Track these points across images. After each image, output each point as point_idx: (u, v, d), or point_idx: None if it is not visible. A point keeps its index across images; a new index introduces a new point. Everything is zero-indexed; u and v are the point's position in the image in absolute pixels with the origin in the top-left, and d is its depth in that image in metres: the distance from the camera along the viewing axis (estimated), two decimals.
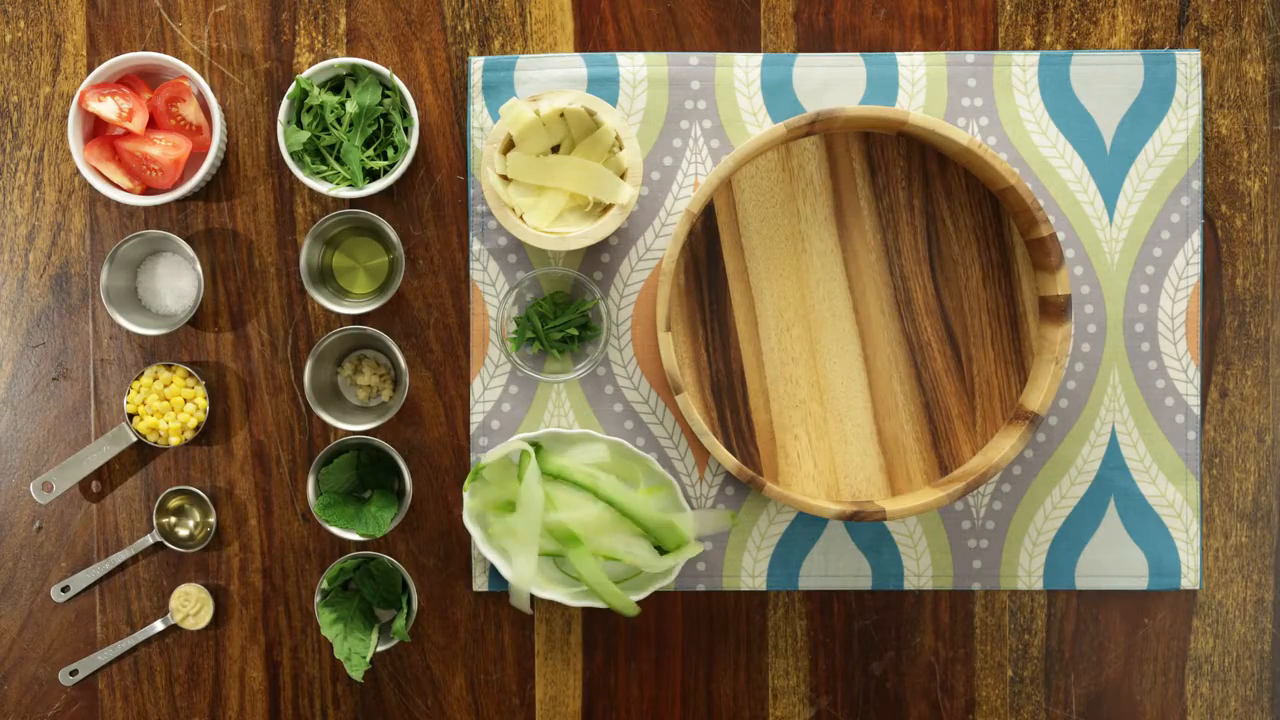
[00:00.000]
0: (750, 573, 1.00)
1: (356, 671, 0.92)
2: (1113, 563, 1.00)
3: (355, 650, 0.93)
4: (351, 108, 0.93)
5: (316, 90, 0.93)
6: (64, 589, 0.99)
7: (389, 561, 0.96)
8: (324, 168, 0.94)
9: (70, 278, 0.99)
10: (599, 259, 0.99)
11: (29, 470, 0.99)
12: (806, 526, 1.00)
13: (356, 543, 1.00)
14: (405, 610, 0.96)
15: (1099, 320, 0.99)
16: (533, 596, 0.99)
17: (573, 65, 0.99)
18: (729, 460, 0.91)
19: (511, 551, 0.94)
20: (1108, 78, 0.99)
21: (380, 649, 0.95)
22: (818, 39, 1.00)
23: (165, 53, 0.99)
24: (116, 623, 1.00)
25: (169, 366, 0.97)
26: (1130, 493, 1.00)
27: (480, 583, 0.99)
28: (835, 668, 1.01)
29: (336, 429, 0.99)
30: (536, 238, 0.92)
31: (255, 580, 1.00)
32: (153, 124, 0.95)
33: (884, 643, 1.00)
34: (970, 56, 0.99)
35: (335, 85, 0.96)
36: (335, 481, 0.97)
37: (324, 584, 0.95)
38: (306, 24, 0.99)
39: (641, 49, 1.00)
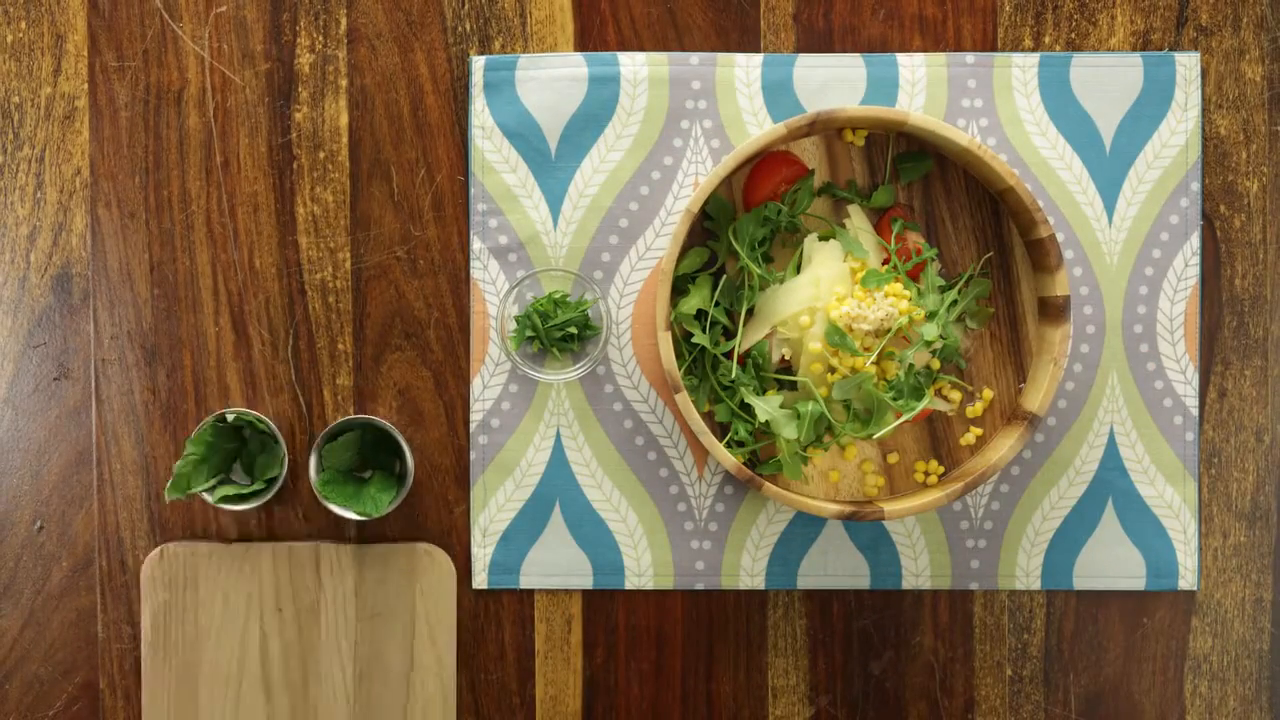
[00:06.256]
0: (749, 572, 1.00)
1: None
2: (1110, 563, 1.00)
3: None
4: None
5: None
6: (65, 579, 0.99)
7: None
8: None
9: (71, 278, 1.00)
10: (599, 259, 0.99)
11: (30, 470, 1.00)
12: (805, 526, 1.00)
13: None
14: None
15: (1098, 321, 0.99)
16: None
17: (574, 65, 0.99)
18: (728, 459, 0.91)
19: None
20: (1107, 79, 0.99)
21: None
22: (817, 39, 1.00)
23: (166, 53, 0.99)
24: (118, 622, 1.00)
25: None
26: (1128, 493, 1.00)
27: (480, 581, 1.00)
28: (835, 667, 1.01)
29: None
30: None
31: None
32: None
33: (883, 642, 1.01)
34: (970, 57, 0.99)
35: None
36: (337, 459, 0.97)
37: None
38: (307, 24, 0.99)
39: (641, 49, 1.00)
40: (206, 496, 0.94)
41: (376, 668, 0.98)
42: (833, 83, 0.99)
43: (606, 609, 1.00)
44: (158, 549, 0.98)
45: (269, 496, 0.96)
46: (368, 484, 0.97)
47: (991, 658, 1.01)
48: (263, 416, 0.95)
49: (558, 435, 1.00)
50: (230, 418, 0.95)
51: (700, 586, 1.00)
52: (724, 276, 0.96)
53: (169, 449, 1.00)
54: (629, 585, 1.00)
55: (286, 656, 0.98)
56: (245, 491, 0.95)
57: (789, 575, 1.00)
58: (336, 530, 1.00)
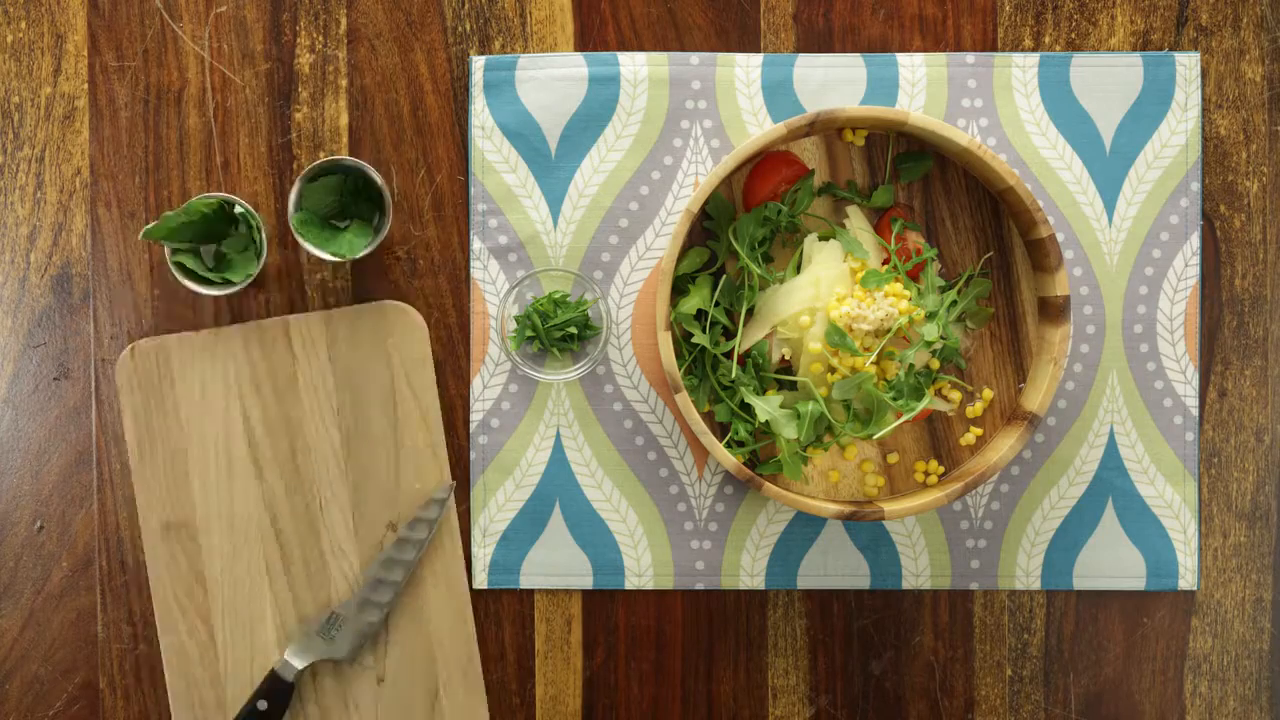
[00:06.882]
0: (749, 572, 1.00)
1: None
2: (1110, 563, 1.00)
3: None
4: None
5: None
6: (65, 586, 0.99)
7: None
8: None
9: (71, 278, 1.00)
10: (599, 259, 0.99)
11: (30, 470, 1.00)
12: (805, 526, 1.00)
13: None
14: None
15: (1098, 321, 0.99)
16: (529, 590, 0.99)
17: (574, 65, 0.99)
18: (728, 459, 0.91)
19: None
20: (1107, 79, 0.99)
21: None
22: (817, 39, 1.00)
23: (166, 53, 0.99)
24: (118, 621, 1.00)
25: None
26: (1128, 493, 1.00)
27: (480, 581, 1.00)
28: (835, 667, 1.01)
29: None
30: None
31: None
32: None
33: (883, 642, 1.01)
34: (970, 57, 0.99)
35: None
36: (317, 201, 0.96)
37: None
38: (307, 24, 1.00)
39: (641, 49, 1.00)
40: (167, 252, 0.93)
41: (362, 429, 0.98)
42: (833, 83, 0.99)
43: (606, 609, 1.01)
44: (127, 348, 0.97)
45: (221, 294, 0.95)
46: (344, 231, 0.97)
47: (991, 658, 1.01)
48: (264, 223, 0.94)
49: (558, 435, 1.00)
50: (239, 210, 0.94)
51: (700, 586, 1.00)
52: (724, 276, 0.96)
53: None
54: (629, 585, 1.00)
55: (272, 433, 0.98)
56: (201, 272, 0.94)
57: (789, 575, 1.00)
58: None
